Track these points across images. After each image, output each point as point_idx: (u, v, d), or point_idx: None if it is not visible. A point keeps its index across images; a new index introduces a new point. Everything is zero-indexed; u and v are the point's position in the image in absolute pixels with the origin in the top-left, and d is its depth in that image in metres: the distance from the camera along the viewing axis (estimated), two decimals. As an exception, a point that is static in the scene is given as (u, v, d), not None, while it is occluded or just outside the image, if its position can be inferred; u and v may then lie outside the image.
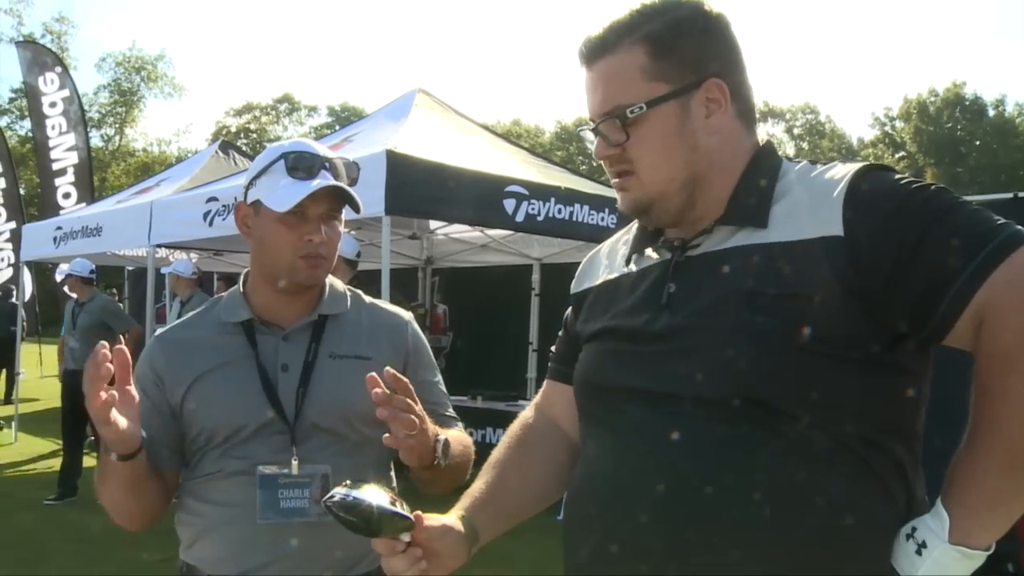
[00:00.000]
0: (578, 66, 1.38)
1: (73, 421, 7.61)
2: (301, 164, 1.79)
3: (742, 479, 1.18)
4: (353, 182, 1.85)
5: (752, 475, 1.18)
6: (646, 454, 1.25)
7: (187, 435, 1.82)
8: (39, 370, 16.08)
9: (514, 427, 1.61)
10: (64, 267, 8.07)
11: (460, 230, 8.71)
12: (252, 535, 1.75)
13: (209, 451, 1.80)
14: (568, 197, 6.51)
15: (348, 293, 1.96)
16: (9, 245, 17.28)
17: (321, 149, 1.85)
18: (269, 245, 1.81)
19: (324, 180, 1.78)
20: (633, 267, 1.44)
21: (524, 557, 5.20)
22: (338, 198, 1.82)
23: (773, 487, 1.17)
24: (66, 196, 16.96)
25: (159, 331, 1.96)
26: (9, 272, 17.03)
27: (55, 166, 17.24)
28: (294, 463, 1.75)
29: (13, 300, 14.03)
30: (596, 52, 1.34)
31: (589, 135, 1.38)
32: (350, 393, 1.78)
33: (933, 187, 1.20)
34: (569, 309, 1.60)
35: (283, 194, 1.76)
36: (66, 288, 8.31)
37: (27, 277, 13.70)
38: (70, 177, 17.17)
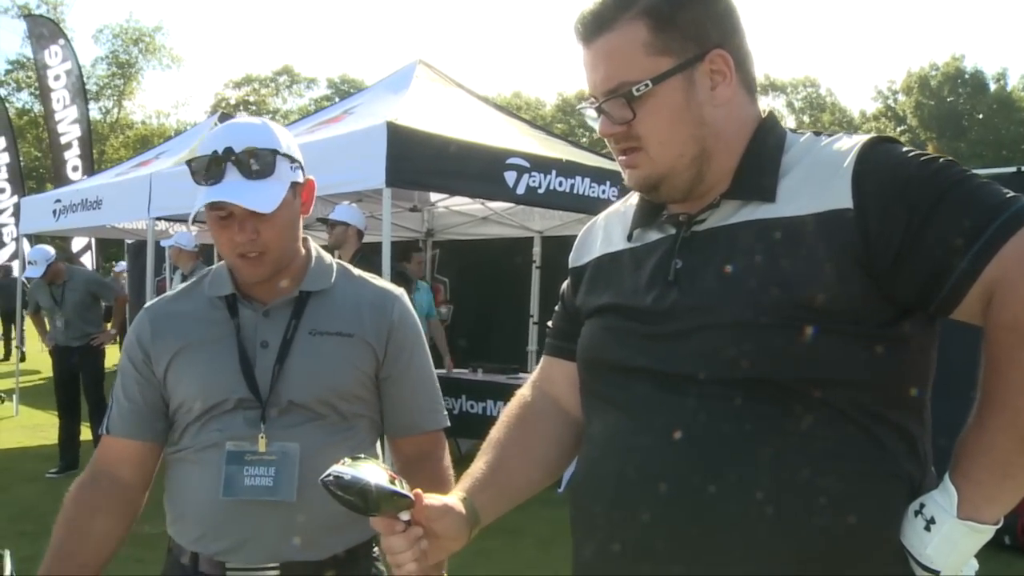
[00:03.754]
0: (575, 43, 1.34)
1: (66, 394, 7.69)
2: (199, 169, 1.71)
3: (755, 454, 1.17)
4: (267, 167, 1.70)
5: (765, 451, 1.17)
6: (654, 433, 1.24)
7: (170, 407, 1.82)
8: (40, 343, 16.08)
9: (512, 406, 1.58)
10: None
11: (461, 202, 8.67)
12: (225, 512, 1.72)
13: (190, 424, 1.79)
14: (569, 169, 6.47)
15: (335, 267, 1.90)
16: (12, 220, 17.25)
17: (233, 135, 1.72)
18: (216, 243, 1.78)
19: (226, 182, 1.68)
20: (636, 242, 1.41)
21: (530, 530, 5.24)
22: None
23: (785, 463, 1.16)
24: (74, 169, 16.92)
25: (148, 303, 1.95)
26: (14, 246, 17.05)
27: (63, 139, 17.18)
28: (261, 440, 1.73)
29: (15, 275, 14.03)
30: (594, 29, 1.30)
31: (591, 112, 1.35)
32: (329, 370, 1.77)
33: (941, 160, 1.18)
34: (567, 283, 1.57)
35: (196, 202, 1.72)
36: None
37: (27, 250, 13.62)
38: (76, 150, 17.12)
